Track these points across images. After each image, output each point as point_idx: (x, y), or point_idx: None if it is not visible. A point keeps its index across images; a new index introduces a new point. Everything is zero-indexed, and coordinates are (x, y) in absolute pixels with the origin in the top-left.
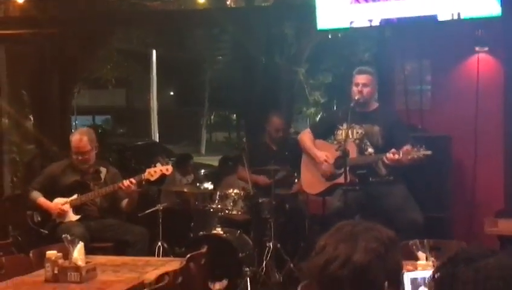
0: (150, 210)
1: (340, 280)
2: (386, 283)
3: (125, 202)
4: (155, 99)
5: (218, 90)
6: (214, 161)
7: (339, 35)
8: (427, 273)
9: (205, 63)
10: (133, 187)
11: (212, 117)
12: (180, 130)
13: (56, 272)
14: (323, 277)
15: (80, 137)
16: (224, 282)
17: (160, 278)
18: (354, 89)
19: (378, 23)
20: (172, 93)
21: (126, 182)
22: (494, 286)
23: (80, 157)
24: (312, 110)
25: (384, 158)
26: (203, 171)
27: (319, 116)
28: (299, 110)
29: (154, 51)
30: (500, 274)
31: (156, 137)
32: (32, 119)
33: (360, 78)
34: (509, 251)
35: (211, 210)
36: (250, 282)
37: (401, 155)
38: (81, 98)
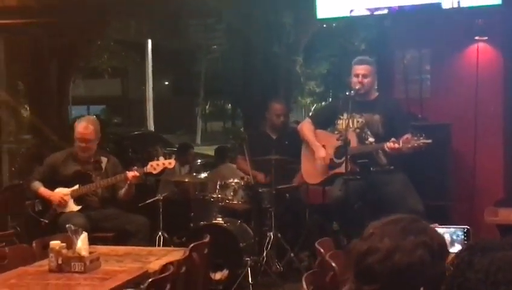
0: (150, 200)
1: (374, 273)
2: (422, 288)
3: (122, 191)
4: (150, 89)
5: (214, 79)
6: (210, 150)
7: (333, 25)
8: None
9: (200, 53)
10: (136, 179)
11: (207, 107)
12: (176, 119)
13: (60, 262)
14: (360, 264)
15: (87, 125)
16: (225, 272)
17: (164, 268)
18: (354, 79)
19: (378, 12)
20: (167, 82)
21: (130, 174)
22: (504, 278)
23: (83, 145)
24: (307, 100)
25: (385, 147)
26: (199, 161)
27: (315, 106)
28: (294, 99)
29: (149, 41)
30: None
31: (151, 127)
32: (28, 109)
33: (360, 69)
34: None
35: (211, 200)
36: (250, 271)
37: (401, 144)
38: (76, 88)
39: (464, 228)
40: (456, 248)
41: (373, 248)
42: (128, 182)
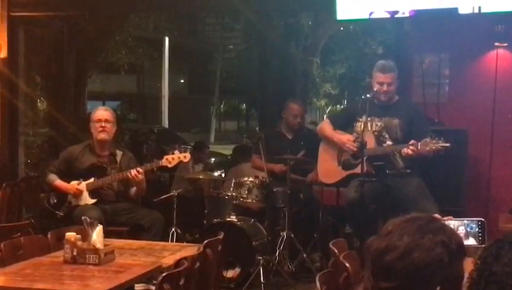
0: (165, 196)
1: (392, 271)
2: (439, 288)
3: (133, 190)
4: (166, 86)
5: (229, 79)
6: (223, 149)
7: (351, 27)
8: None
9: (217, 52)
10: (138, 176)
11: (222, 106)
12: (190, 117)
13: (75, 253)
14: (378, 261)
15: (105, 108)
16: (237, 270)
17: (178, 262)
18: (378, 87)
19: (398, 15)
20: (183, 80)
21: (144, 167)
22: None
23: (103, 125)
24: (322, 101)
25: (402, 151)
26: (213, 159)
27: (330, 108)
28: (309, 101)
29: (167, 38)
30: None
31: (166, 124)
32: (45, 102)
33: (384, 78)
34: None
35: (226, 197)
36: (262, 270)
37: (419, 147)
38: (92, 82)
39: (478, 221)
40: (470, 241)
41: (391, 245)
42: (135, 180)
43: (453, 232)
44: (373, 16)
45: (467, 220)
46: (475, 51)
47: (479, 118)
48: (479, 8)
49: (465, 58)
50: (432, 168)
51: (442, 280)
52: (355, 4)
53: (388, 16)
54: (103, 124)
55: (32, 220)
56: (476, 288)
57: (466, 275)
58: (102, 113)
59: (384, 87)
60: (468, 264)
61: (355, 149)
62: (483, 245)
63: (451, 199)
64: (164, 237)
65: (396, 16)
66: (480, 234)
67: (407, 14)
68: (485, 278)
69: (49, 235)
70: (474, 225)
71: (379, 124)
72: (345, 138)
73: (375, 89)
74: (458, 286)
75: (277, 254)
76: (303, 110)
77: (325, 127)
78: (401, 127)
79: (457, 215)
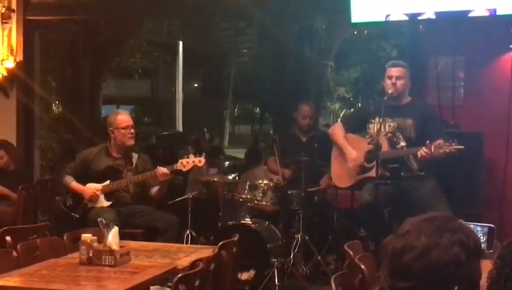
0: (180, 198)
1: (410, 270)
2: (456, 287)
3: (154, 189)
4: (180, 90)
5: (243, 83)
6: (237, 153)
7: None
8: None
9: (231, 56)
10: (165, 176)
11: (235, 110)
12: (204, 121)
13: (91, 255)
14: (395, 261)
15: (126, 114)
16: (252, 272)
17: (193, 264)
18: (388, 82)
19: (413, 18)
20: (196, 84)
21: (159, 171)
22: None
23: (131, 131)
24: (336, 105)
25: (417, 153)
26: (227, 163)
27: (344, 111)
28: (323, 104)
29: (180, 42)
30: None
31: (179, 128)
32: (60, 106)
33: (394, 71)
34: None
35: (240, 200)
36: (277, 273)
37: (433, 149)
38: (106, 87)
39: (488, 227)
40: None
41: (409, 245)
42: (159, 179)
43: (470, 232)
44: (390, 19)
45: (478, 225)
46: (490, 54)
47: (494, 120)
48: (494, 10)
49: (480, 60)
50: (447, 171)
51: (460, 280)
52: (371, 6)
53: (406, 18)
54: (131, 130)
55: (48, 223)
56: (495, 286)
57: (484, 274)
58: (128, 118)
59: (393, 80)
60: (484, 265)
61: (358, 169)
62: (491, 250)
63: (465, 201)
64: (179, 240)
65: (420, 17)
66: (488, 240)
67: (432, 16)
68: (505, 276)
69: (65, 237)
70: (483, 230)
71: (392, 124)
72: (352, 156)
73: (387, 90)
74: (476, 285)
75: (291, 256)
76: (313, 112)
77: (336, 131)
78: (414, 128)
79: (473, 218)
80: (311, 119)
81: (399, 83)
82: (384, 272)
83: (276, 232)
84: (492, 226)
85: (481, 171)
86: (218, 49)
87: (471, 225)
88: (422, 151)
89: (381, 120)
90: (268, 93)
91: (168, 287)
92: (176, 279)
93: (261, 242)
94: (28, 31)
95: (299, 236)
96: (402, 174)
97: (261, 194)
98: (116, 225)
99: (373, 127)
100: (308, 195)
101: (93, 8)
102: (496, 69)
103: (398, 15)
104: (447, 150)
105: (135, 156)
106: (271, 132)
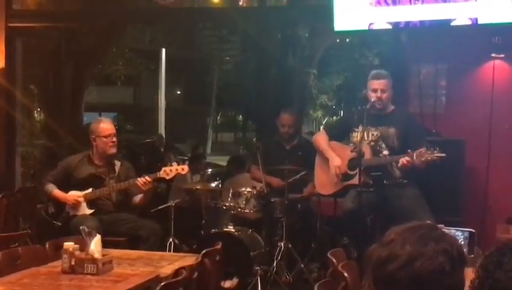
0: (162, 206)
1: (394, 279)
2: None
3: (138, 197)
4: (163, 98)
5: (226, 90)
6: (220, 160)
7: (347, 40)
8: None
9: (214, 63)
10: (148, 185)
11: (218, 117)
12: (187, 129)
13: (73, 263)
14: (380, 270)
15: (109, 122)
16: (235, 280)
17: (176, 272)
18: (372, 94)
19: (397, 26)
20: (179, 92)
21: (142, 180)
22: None
23: (113, 140)
24: (319, 113)
25: (400, 161)
26: (209, 170)
27: (326, 119)
28: (305, 112)
29: (163, 50)
30: None
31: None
32: (42, 113)
33: (377, 84)
34: None
35: (223, 208)
36: (260, 281)
37: (414, 157)
38: (88, 94)
39: (469, 231)
40: None
41: (394, 254)
42: (144, 188)
43: (454, 240)
44: (373, 27)
45: (458, 229)
46: (472, 62)
47: (476, 128)
48: (476, 19)
49: (462, 69)
50: (430, 179)
51: (444, 288)
52: (354, 15)
53: (390, 26)
54: (113, 139)
55: (29, 231)
56: None
57: (467, 283)
58: (111, 127)
59: (378, 94)
60: (468, 273)
61: (339, 177)
62: (472, 255)
63: (448, 209)
64: (161, 248)
65: (402, 26)
66: (469, 244)
67: (415, 25)
68: (488, 286)
69: (47, 245)
70: (464, 235)
71: (375, 133)
72: (335, 163)
73: (370, 99)
74: None
75: (275, 264)
76: (293, 120)
77: (320, 139)
78: (397, 136)
79: (454, 225)
80: (291, 128)
81: (384, 95)
82: (369, 281)
83: (259, 240)
84: (473, 231)
85: (462, 179)
86: (201, 56)
87: (452, 230)
88: (404, 160)
89: (364, 129)
90: (251, 100)
91: None
92: (159, 287)
93: (244, 250)
94: (10, 38)
95: (282, 244)
96: (385, 181)
97: (244, 202)
98: (99, 233)
99: (356, 136)
100: (291, 203)
101: (76, 16)
102: (477, 78)
103: (382, 24)
104: (429, 158)
105: (118, 163)
106: (254, 139)
